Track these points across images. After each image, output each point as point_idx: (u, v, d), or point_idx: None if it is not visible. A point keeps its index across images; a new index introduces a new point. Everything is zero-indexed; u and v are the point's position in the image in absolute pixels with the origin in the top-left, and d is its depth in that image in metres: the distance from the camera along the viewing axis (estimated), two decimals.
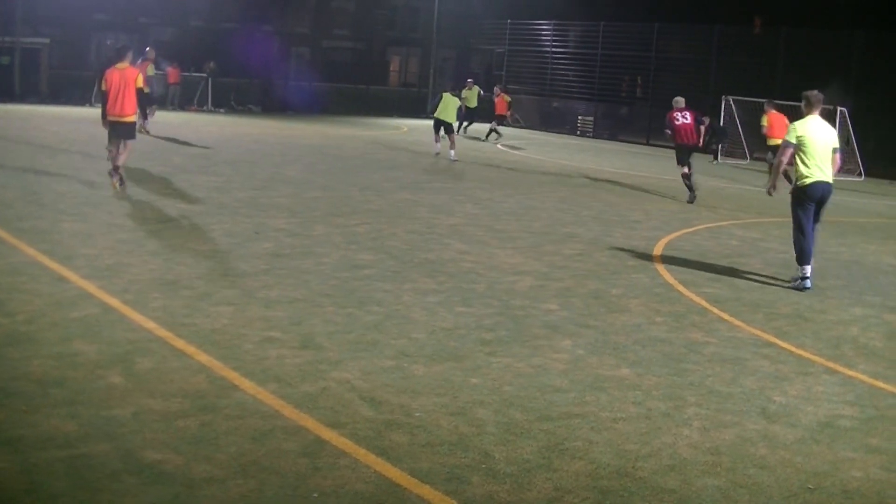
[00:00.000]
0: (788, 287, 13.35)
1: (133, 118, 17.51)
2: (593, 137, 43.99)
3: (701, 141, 24.70)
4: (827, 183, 13.34)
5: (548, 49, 49.00)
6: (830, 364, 9.60)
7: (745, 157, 35.97)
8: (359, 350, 8.82)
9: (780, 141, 27.48)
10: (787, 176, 15.43)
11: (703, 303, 11.84)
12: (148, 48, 33.91)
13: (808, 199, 13.32)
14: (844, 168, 32.33)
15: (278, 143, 29.93)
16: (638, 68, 45.37)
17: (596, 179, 26.18)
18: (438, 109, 29.14)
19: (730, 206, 22.00)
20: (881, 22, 39.68)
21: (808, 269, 13.32)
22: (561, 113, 47.01)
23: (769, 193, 14.22)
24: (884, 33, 36.53)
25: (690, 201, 22.11)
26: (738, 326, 10.82)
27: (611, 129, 45.04)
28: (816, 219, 13.55)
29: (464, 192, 20.84)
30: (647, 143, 42.21)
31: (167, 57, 41.41)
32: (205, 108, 43.43)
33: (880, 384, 9.07)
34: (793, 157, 13.30)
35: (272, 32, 52.19)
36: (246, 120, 40.07)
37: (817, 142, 13.21)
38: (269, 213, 15.93)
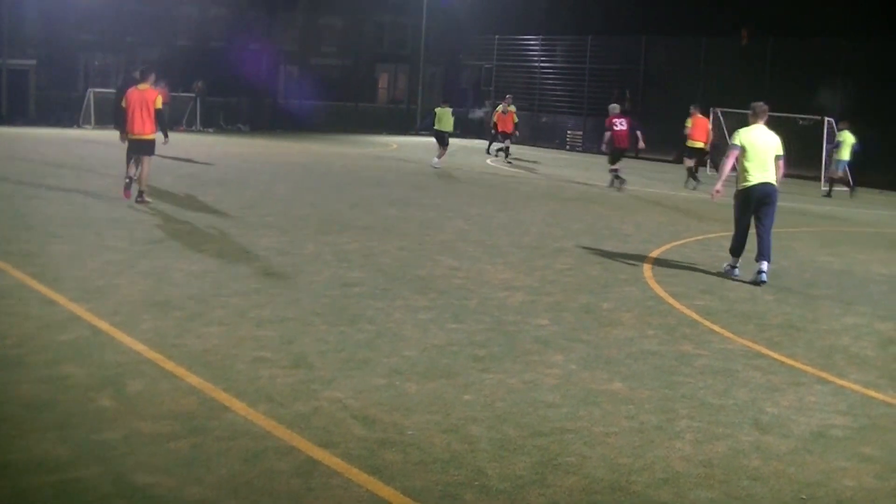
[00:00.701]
0: (720, 273, 14.79)
1: (153, 136, 18.46)
2: (582, 151, 44.03)
3: (638, 146, 28.51)
4: (768, 184, 14.48)
5: (536, 64, 49.09)
6: (822, 374, 9.61)
7: (733, 168, 35.94)
8: (350, 368, 8.79)
9: (699, 144, 29.11)
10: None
11: (695, 315, 11.85)
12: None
13: (750, 200, 14.49)
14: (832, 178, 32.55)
15: (267, 162, 29.95)
16: (626, 82, 45.42)
17: (586, 192, 26.19)
18: (437, 123, 31.62)
19: (719, 218, 21.99)
20: (867, 32, 39.78)
21: (738, 261, 14.71)
22: (550, 127, 47.10)
23: (713, 196, 15.32)
24: (869, 42, 36.64)
25: (620, 189, 27.04)
26: (730, 338, 10.82)
27: (600, 142, 45.04)
28: (768, 221, 14.59)
29: (454, 207, 20.83)
30: (637, 157, 42.20)
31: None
32: (193, 127, 43.44)
33: (872, 393, 9.07)
34: (737, 161, 14.54)
35: (260, 51, 52.14)
36: (235, 139, 40.09)
37: (759, 148, 14.43)
38: (259, 232, 15.91)
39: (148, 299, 10.95)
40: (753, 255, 14.46)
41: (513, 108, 37.43)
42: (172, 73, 44.65)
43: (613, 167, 27.88)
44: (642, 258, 15.74)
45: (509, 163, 35.17)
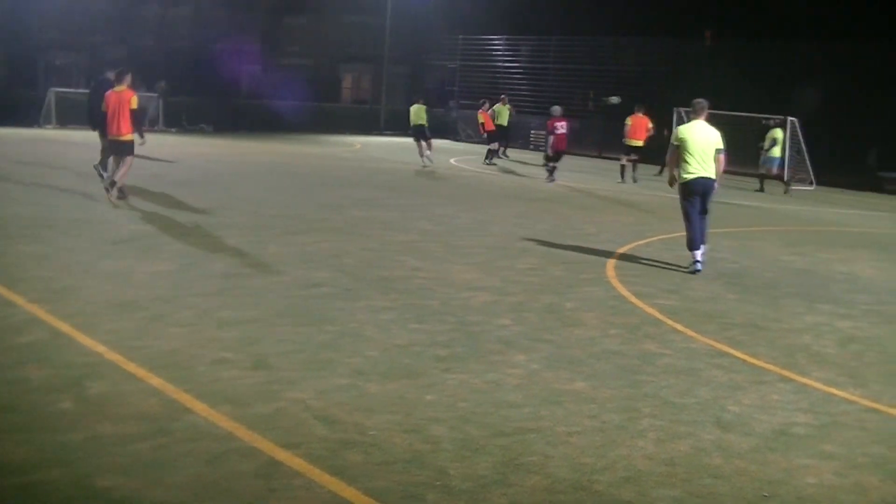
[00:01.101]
0: (686, 272, 14.99)
1: (130, 137, 18.86)
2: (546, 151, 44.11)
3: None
4: (707, 178, 15.15)
5: (500, 64, 49.13)
6: (784, 372, 9.66)
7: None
8: (313, 369, 8.77)
9: (636, 142, 29.65)
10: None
11: (657, 314, 11.88)
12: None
13: (691, 193, 15.18)
14: (796, 177, 32.76)
15: (231, 162, 29.86)
16: (590, 82, 45.54)
17: (551, 193, 26.24)
18: (412, 120, 32.45)
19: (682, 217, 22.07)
20: (830, 33, 40.05)
21: (699, 254, 15.10)
22: (514, 127, 47.05)
23: (670, 185, 15.94)
24: (832, 44, 36.88)
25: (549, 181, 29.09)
26: (693, 337, 10.86)
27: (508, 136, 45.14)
28: (704, 210, 15.28)
29: (418, 208, 20.83)
30: (600, 156, 42.38)
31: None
32: (156, 127, 43.18)
33: (834, 391, 9.12)
34: (678, 156, 15.18)
35: (223, 50, 51.94)
36: (198, 139, 39.93)
37: (698, 143, 15.03)
38: (223, 233, 15.85)
39: (110, 300, 10.89)
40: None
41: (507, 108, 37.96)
42: (135, 72, 44.42)
43: (552, 164, 29.97)
44: (606, 258, 15.78)
45: (493, 164, 35.21)
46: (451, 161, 35.86)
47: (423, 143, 32.63)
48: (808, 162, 33.69)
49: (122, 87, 18.88)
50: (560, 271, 14.44)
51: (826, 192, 32.96)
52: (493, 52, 49.67)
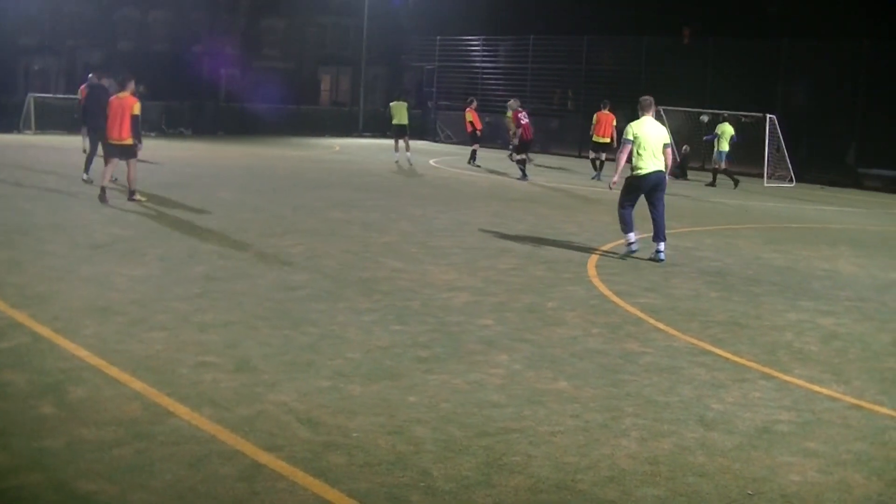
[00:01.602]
0: (621, 257, 16.07)
1: (130, 141, 19.46)
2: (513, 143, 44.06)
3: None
4: (660, 172, 15.84)
5: (478, 64, 49.12)
6: (766, 370, 9.66)
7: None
8: (295, 371, 8.75)
9: (603, 139, 29.85)
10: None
11: (639, 313, 11.88)
12: (91, 74, 33.87)
13: (642, 186, 15.90)
14: (776, 174, 32.86)
15: (210, 166, 29.79)
16: (568, 81, 45.59)
17: (530, 192, 26.25)
18: (393, 118, 33.28)
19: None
20: (807, 31, 40.20)
21: (633, 236, 16.17)
22: (493, 127, 47.01)
23: (610, 188, 16.93)
24: (809, 41, 37.01)
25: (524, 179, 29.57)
26: (674, 335, 10.87)
27: (542, 142, 45.12)
28: (661, 206, 16.04)
29: (397, 209, 20.79)
30: (579, 156, 42.39)
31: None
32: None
33: (816, 388, 9.13)
34: (631, 152, 15.77)
35: (202, 53, 51.85)
36: (177, 143, 39.81)
37: (650, 138, 15.69)
38: (202, 236, 15.80)
39: (90, 305, 10.84)
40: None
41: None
42: (114, 76, 44.28)
43: (520, 157, 30.67)
44: (586, 257, 15.78)
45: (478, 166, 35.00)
46: (431, 162, 35.83)
47: (402, 143, 33.25)
48: (787, 159, 33.79)
49: (125, 94, 19.42)
50: (541, 271, 14.43)
51: (806, 189, 33.05)
52: (471, 53, 49.64)
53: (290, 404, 7.81)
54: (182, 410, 7.53)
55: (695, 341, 10.65)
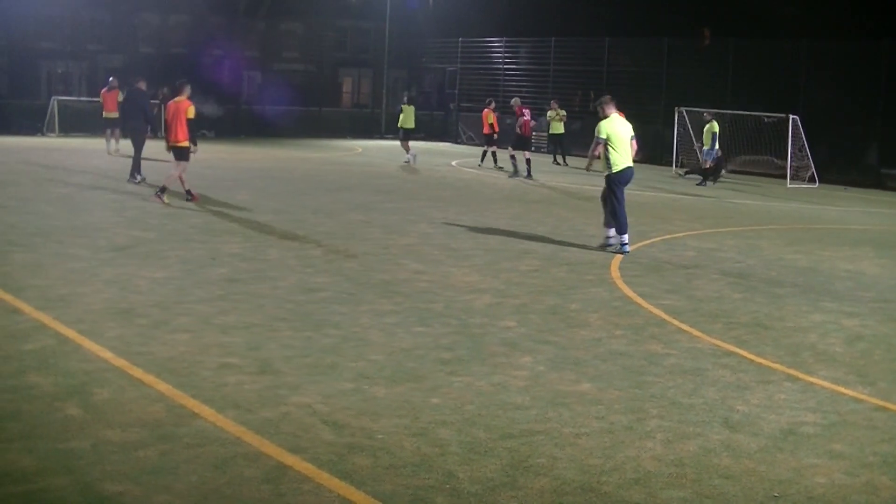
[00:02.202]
0: (596, 248, 16.73)
1: (186, 143, 20.50)
2: (547, 153, 43.99)
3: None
4: (632, 168, 16.90)
5: (499, 66, 49.06)
6: (791, 371, 9.62)
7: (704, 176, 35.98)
8: (317, 374, 8.75)
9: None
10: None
11: (662, 314, 11.85)
12: (112, 78, 34.22)
13: (622, 182, 16.75)
14: (798, 175, 32.72)
15: (231, 168, 29.84)
16: (590, 83, 45.44)
17: (549, 195, 26.21)
18: (402, 120, 34.55)
19: (685, 217, 22.08)
20: (826, 31, 40.03)
21: (627, 237, 16.53)
22: (514, 129, 46.96)
23: (587, 169, 18.23)
24: (828, 42, 36.85)
25: (513, 176, 30.60)
26: (698, 337, 10.83)
27: (563, 144, 45.06)
28: (624, 198, 16.80)
29: (417, 211, 20.78)
30: (600, 157, 42.27)
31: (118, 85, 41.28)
32: (159, 134, 42.97)
33: (841, 389, 9.09)
34: (605, 149, 16.65)
35: (222, 57, 51.88)
36: (200, 145, 39.77)
37: (621, 135, 16.66)
38: (224, 239, 15.83)
39: (113, 307, 10.87)
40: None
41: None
42: (135, 79, 44.41)
43: (525, 154, 31.48)
44: (608, 259, 15.74)
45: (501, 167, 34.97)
46: (452, 164, 35.79)
47: (404, 143, 34.68)
48: (810, 159, 33.64)
49: (181, 98, 20.37)
50: (563, 273, 14.40)
51: (828, 189, 32.91)
52: (493, 55, 49.58)
53: (314, 406, 7.81)
54: (206, 412, 7.54)
55: (718, 343, 10.61)
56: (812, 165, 33.76)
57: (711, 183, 31.39)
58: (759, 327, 11.47)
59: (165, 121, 20.60)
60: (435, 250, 15.74)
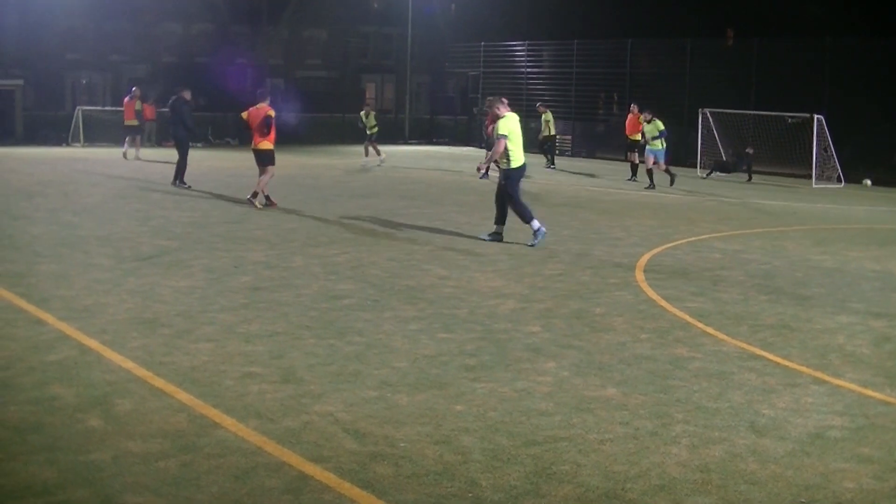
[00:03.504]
0: (529, 245, 16.96)
1: (269, 146, 21.60)
2: (571, 156, 43.93)
3: None
4: (526, 164, 17.75)
5: (522, 69, 49.00)
6: (818, 374, 9.53)
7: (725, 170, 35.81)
8: (341, 382, 8.72)
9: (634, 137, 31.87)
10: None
11: (687, 317, 11.77)
12: (134, 87, 34.53)
13: (520, 176, 17.70)
14: (823, 175, 32.53)
15: (255, 175, 29.82)
16: (613, 85, 45.32)
17: (574, 198, 26.11)
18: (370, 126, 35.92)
19: (710, 220, 21.97)
20: (850, 30, 39.85)
21: (537, 223, 17.22)
22: (537, 132, 46.94)
23: (478, 170, 20.32)
24: (853, 40, 36.67)
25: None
26: (724, 340, 10.74)
27: (588, 146, 45.00)
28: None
29: (441, 216, 20.75)
30: (625, 160, 42.15)
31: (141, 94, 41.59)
32: (201, 142, 43.10)
33: (869, 392, 8.99)
34: (505, 146, 17.19)
35: (246, 65, 52.09)
36: (224, 153, 39.98)
37: (517, 133, 17.44)
38: (247, 247, 15.83)
39: (136, 317, 10.88)
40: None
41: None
42: (158, 89, 44.64)
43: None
44: (633, 262, 15.65)
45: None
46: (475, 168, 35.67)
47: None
48: (835, 159, 33.45)
49: (262, 104, 21.29)
50: (587, 276, 14.34)
51: (853, 189, 32.72)
52: (515, 58, 49.51)
53: (337, 415, 7.78)
54: (228, 422, 7.52)
55: (744, 346, 10.52)
56: (838, 165, 33.56)
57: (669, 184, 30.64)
58: (785, 329, 11.37)
59: (249, 127, 21.51)
60: (459, 255, 15.69)
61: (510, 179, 17.44)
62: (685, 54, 41.39)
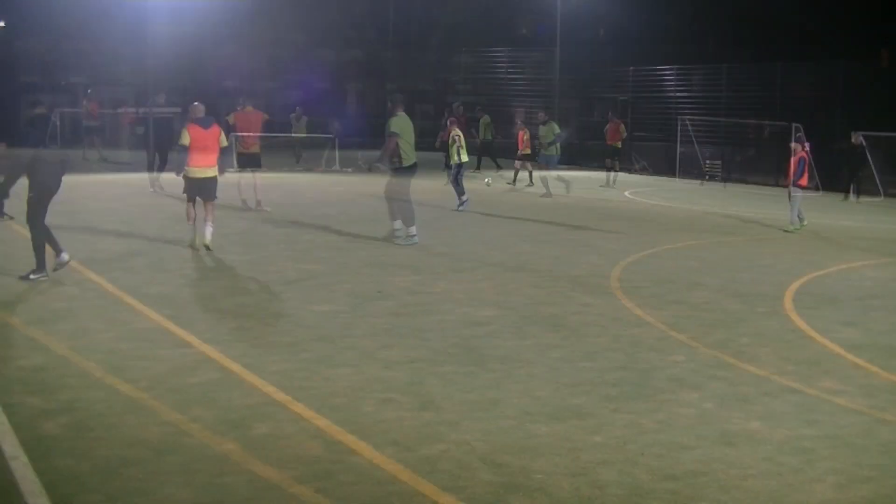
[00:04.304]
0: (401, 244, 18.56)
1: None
2: (722, 181, 43.27)
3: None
4: (417, 163, 18.93)
5: (671, 94, 48.51)
6: None
7: (879, 194, 34.92)
8: (479, 410, 8.65)
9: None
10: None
11: (837, 349, 11.43)
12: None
13: (410, 175, 18.77)
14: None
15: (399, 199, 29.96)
16: (764, 109, 44.55)
17: (722, 225, 25.67)
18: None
19: (862, 246, 21.40)
20: None
21: (414, 229, 18.83)
22: (688, 157, 46.25)
23: (371, 168, 21.18)
24: None
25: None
26: (874, 373, 10.41)
27: (739, 171, 44.28)
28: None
29: (587, 242, 20.57)
30: (777, 185, 41.41)
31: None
32: (333, 168, 43.56)
33: None
34: (396, 144, 18.32)
35: (394, 90, 52.58)
36: (374, 178, 40.27)
37: (410, 132, 18.57)
38: (391, 271, 15.88)
39: (277, 341, 10.98)
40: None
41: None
42: (311, 114, 45.44)
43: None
44: (782, 290, 15.28)
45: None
46: (626, 194, 35.40)
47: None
48: None
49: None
50: (734, 304, 14.04)
51: None
52: (664, 83, 49.05)
53: (473, 444, 7.72)
54: (364, 449, 7.51)
55: None
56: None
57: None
58: None
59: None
60: (603, 282, 15.51)
61: (400, 177, 18.75)
62: (838, 77, 40.53)
